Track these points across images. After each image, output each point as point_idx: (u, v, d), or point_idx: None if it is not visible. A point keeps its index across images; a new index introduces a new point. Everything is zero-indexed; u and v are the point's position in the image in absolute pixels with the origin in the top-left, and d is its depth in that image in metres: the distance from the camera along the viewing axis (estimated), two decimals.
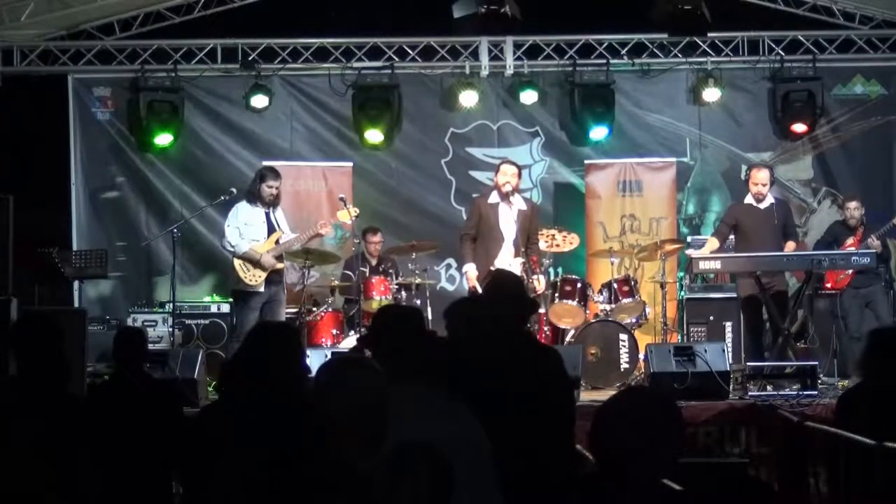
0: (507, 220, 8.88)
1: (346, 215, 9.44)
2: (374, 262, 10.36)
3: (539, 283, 8.82)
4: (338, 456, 2.78)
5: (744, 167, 11.65)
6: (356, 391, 2.87)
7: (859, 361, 5.62)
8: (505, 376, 4.21)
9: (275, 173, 9.31)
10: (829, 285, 10.16)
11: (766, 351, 9.16)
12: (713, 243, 9.40)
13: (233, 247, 9.13)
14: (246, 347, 3.96)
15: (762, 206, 9.37)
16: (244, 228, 9.11)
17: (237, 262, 9.07)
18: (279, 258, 9.18)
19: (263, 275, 9.03)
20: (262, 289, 9.04)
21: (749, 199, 9.52)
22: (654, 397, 2.84)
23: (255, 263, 9.03)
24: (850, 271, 9.59)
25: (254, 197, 9.19)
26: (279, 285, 9.22)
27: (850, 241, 9.79)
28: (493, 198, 9.00)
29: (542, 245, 9.59)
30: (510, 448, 3.66)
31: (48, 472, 3.95)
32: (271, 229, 9.19)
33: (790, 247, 9.27)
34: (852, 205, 9.97)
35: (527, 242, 8.90)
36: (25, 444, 3.98)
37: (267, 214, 9.20)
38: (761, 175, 9.45)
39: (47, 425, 4.03)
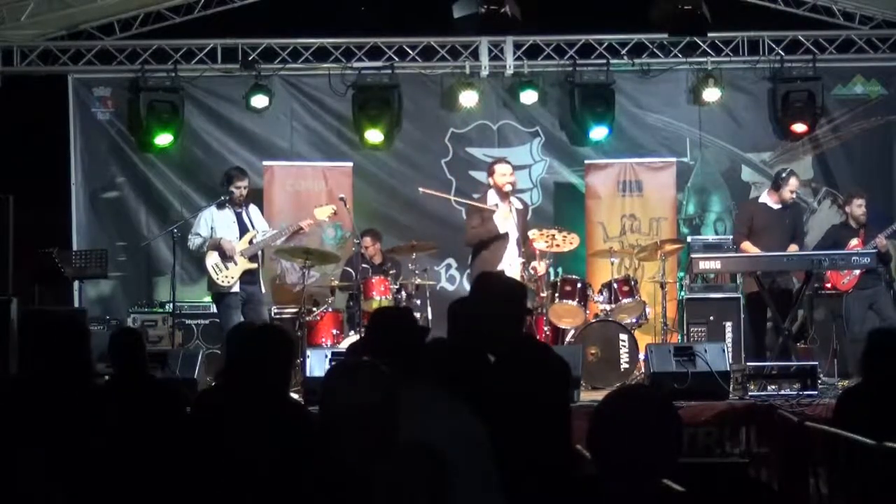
0: (508, 221, 8.86)
1: (324, 213, 9.48)
2: (376, 262, 10.35)
3: (541, 267, 8.95)
4: (343, 458, 2.76)
5: (744, 167, 11.72)
6: (363, 394, 2.86)
7: (859, 362, 5.62)
8: (505, 377, 4.19)
9: (241, 173, 9.38)
10: (828, 285, 10.16)
11: (768, 350, 9.16)
12: (748, 247, 9.37)
13: (198, 251, 9.24)
14: (228, 350, 3.98)
15: (776, 206, 9.36)
16: (213, 234, 9.15)
17: (209, 265, 9.13)
18: (253, 258, 9.18)
19: (236, 275, 9.05)
20: (236, 288, 9.07)
21: (764, 199, 9.53)
22: (652, 397, 2.84)
23: (224, 258, 9.05)
24: (857, 273, 9.44)
25: (224, 201, 9.23)
26: (255, 286, 9.24)
27: (853, 242, 9.57)
28: (492, 200, 8.98)
29: (542, 245, 9.57)
30: (510, 448, 3.66)
31: (48, 471, 3.96)
32: (244, 230, 9.22)
33: (793, 249, 9.25)
34: (858, 202, 9.72)
35: (524, 241, 8.93)
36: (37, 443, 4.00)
37: (238, 215, 9.25)
38: (798, 183, 9.57)
39: (68, 422, 4.05)
